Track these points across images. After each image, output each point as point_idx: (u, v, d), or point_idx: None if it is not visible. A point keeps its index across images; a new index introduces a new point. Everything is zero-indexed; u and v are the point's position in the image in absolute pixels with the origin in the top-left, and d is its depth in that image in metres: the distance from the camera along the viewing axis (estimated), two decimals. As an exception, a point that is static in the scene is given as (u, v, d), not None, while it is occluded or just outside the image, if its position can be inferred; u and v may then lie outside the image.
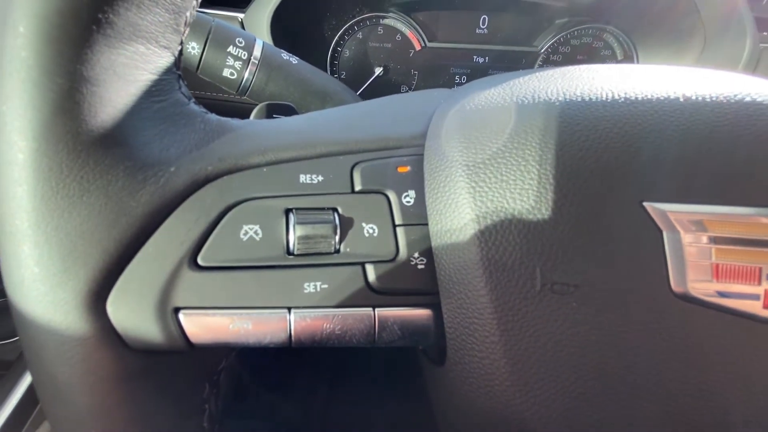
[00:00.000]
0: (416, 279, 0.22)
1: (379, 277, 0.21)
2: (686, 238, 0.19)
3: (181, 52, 0.22)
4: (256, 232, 0.21)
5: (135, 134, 0.19)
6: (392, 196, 0.22)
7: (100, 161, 0.18)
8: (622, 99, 0.21)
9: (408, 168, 0.23)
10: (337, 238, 0.21)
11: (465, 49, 0.67)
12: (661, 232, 0.19)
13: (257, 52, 0.40)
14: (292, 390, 0.46)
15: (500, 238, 0.20)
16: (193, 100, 0.23)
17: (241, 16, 0.56)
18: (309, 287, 0.21)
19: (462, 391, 0.22)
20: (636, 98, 0.20)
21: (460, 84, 0.66)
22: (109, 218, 0.18)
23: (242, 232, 0.21)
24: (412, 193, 0.22)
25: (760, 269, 0.19)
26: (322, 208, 0.21)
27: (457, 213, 0.20)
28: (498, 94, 0.23)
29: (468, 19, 0.66)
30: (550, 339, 0.19)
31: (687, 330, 0.19)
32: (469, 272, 0.20)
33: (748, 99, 0.20)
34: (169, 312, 0.20)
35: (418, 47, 0.66)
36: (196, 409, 0.26)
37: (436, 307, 0.22)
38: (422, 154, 0.23)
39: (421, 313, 0.22)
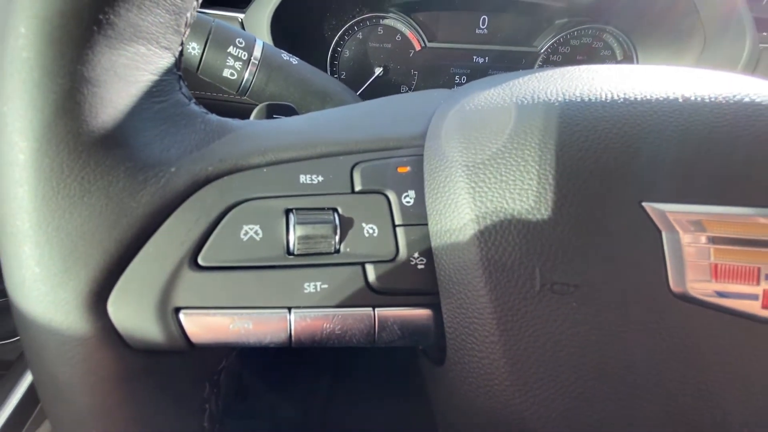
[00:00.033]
0: (416, 279, 0.22)
1: (379, 277, 0.21)
2: (685, 238, 0.19)
3: (181, 53, 0.22)
4: (256, 232, 0.21)
5: (136, 135, 0.19)
6: (392, 196, 0.22)
7: (101, 162, 0.18)
8: (622, 99, 0.21)
9: (408, 168, 0.23)
10: (337, 238, 0.21)
11: (465, 49, 0.67)
12: (660, 232, 0.19)
13: (257, 52, 0.40)
14: (292, 390, 0.46)
15: (500, 238, 0.20)
16: (194, 100, 0.23)
17: (241, 16, 0.56)
18: (309, 287, 0.21)
19: (462, 391, 0.22)
20: (635, 99, 0.21)
21: (460, 84, 0.66)
22: (110, 219, 0.18)
23: (242, 232, 0.21)
24: (411, 193, 0.22)
25: (759, 269, 0.19)
26: (322, 208, 0.21)
27: (457, 213, 0.20)
28: (498, 94, 0.23)
29: (468, 19, 0.66)
30: (550, 339, 0.19)
31: (686, 330, 0.19)
32: (468, 272, 0.20)
33: (746, 100, 0.20)
34: (169, 312, 0.20)
35: (418, 47, 0.66)
36: (196, 408, 0.26)
37: (435, 307, 0.22)
38: (422, 155, 0.23)
39: (421, 313, 0.22)
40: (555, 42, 0.66)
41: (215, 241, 0.20)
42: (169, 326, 0.20)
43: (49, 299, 0.18)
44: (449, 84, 0.69)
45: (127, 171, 0.19)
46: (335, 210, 0.22)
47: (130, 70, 0.19)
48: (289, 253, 0.21)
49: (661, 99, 0.20)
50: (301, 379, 0.48)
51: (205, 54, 0.39)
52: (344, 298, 0.21)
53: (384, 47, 0.66)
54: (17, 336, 0.38)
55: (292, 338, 0.21)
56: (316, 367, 0.49)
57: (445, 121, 0.23)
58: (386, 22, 0.65)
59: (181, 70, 0.22)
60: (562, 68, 0.24)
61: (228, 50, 0.39)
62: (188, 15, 0.21)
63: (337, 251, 0.21)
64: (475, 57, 0.67)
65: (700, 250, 0.19)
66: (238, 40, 0.40)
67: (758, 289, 0.19)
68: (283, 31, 0.57)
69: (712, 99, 0.20)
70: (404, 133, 0.24)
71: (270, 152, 0.22)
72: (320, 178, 0.22)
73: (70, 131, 0.17)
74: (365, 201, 0.22)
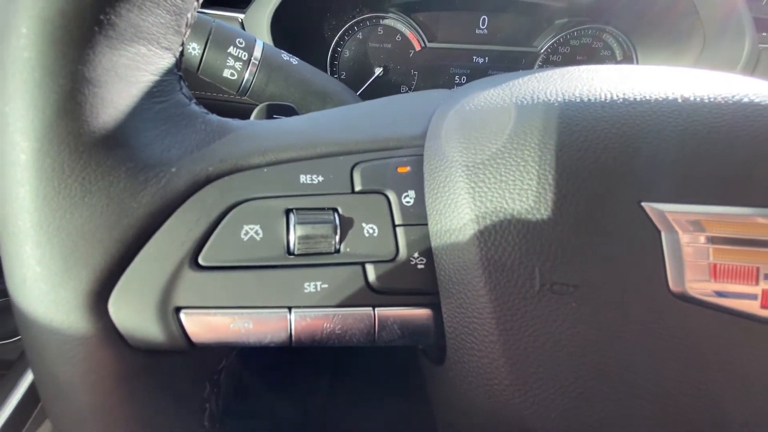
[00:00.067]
0: (416, 279, 0.22)
1: (379, 277, 0.21)
2: (684, 238, 0.19)
3: (182, 53, 0.22)
4: (256, 232, 0.21)
5: (136, 135, 0.19)
6: (392, 196, 0.22)
7: (102, 162, 0.18)
8: (621, 100, 0.21)
9: (408, 168, 0.23)
10: (337, 238, 0.21)
11: (465, 49, 0.67)
12: (659, 232, 0.19)
13: (257, 52, 0.40)
14: (292, 389, 0.46)
15: (499, 238, 0.20)
16: (194, 101, 0.23)
17: (241, 16, 0.56)
18: (309, 287, 0.21)
19: (461, 391, 0.22)
20: (635, 99, 0.21)
21: (459, 84, 0.66)
22: (111, 219, 0.19)
23: (243, 232, 0.21)
24: (411, 193, 0.22)
25: (758, 269, 0.19)
26: (323, 208, 0.22)
27: (457, 213, 0.21)
28: (497, 94, 0.23)
29: (468, 19, 0.66)
30: (549, 338, 0.19)
31: (685, 329, 0.19)
32: (468, 272, 0.20)
33: (745, 100, 0.20)
34: (170, 311, 0.20)
35: (418, 47, 0.66)
36: (196, 408, 0.26)
37: (435, 307, 0.22)
38: (422, 155, 0.23)
39: (421, 312, 0.22)
40: (555, 42, 0.66)
41: (216, 241, 0.20)
42: (170, 326, 0.20)
43: (50, 299, 0.18)
44: (449, 84, 0.69)
45: (128, 171, 0.19)
46: (335, 210, 0.22)
47: (131, 71, 0.19)
48: (289, 252, 0.21)
49: (661, 99, 0.20)
50: (301, 379, 0.48)
51: (205, 54, 0.39)
52: (344, 298, 0.21)
53: (384, 47, 0.66)
54: (18, 336, 0.38)
55: (293, 338, 0.21)
56: (316, 366, 0.49)
57: (445, 121, 0.23)
58: (386, 22, 0.65)
59: (181, 71, 0.22)
60: (562, 68, 0.25)
61: (228, 50, 0.39)
62: (189, 16, 0.21)
63: (337, 251, 0.21)
64: (474, 57, 0.67)
65: (699, 250, 0.19)
66: (238, 40, 0.40)
67: (757, 289, 0.19)
68: (283, 31, 0.57)
69: (711, 99, 0.20)
70: (404, 134, 0.24)
71: (270, 152, 0.22)
72: (320, 178, 0.22)
73: (72, 131, 0.17)
74: (365, 201, 0.22)
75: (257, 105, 0.36)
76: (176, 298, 0.20)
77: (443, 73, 0.68)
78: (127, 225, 0.19)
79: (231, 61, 0.39)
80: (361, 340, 0.22)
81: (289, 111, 0.35)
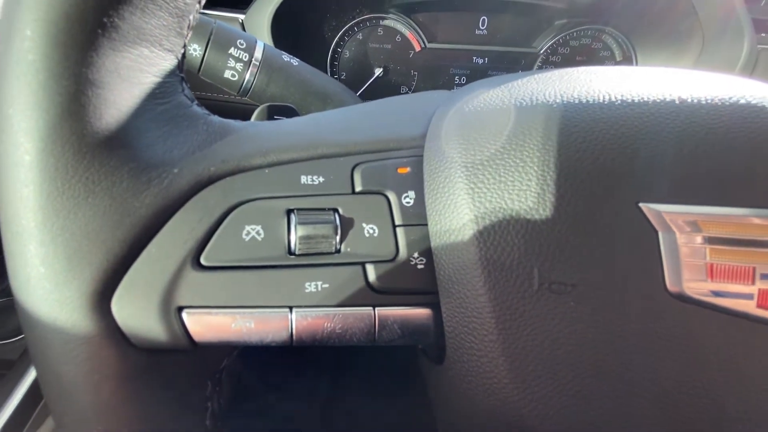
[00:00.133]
0: (416, 279, 0.22)
1: (379, 277, 0.22)
2: (681, 238, 0.19)
3: (184, 55, 0.22)
4: (258, 233, 0.21)
5: (139, 136, 0.19)
6: (392, 196, 0.22)
7: (105, 162, 0.18)
8: (620, 101, 0.21)
9: (408, 169, 0.23)
10: (338, 238, 0.21)
11: (464, 50, 0.67)
12: (656, 232, 0.19)
13: (258, 53, 0.40)
14: (293, 388, 0.47)
15: (499, 238, 0.20)
16: (196, 102, 0.23)
17: (241, 17, 0.56)
18: (310, 287, 0.21)
19: (461, 390, 0.22)
20: (633, 100, 0.21)
21: (459, 85, 0.66)
22: (114, 219, 0.19)
23: (244, 232, 0.21)
24: (411, 193, 0.22)
25: (754, 269, 0.19)
26: (323, 209, 0.22)
27: (456, 213, 0.21)
28: (497, 95, 0.23)
29: (467, 20, 0.66)
30: (548, 338, 0.19)
31: (682, 329, 0.19)
32: (468, 272, 0.20)
33: (743, 101, 0.20)
34: (172, 311, 0.20)
35: (417, 48, 0.67)
36: (198, 407, 0.26)
37: (435, 307, 0.22)
38: (422, 156, 0.23)
39: (421, 312, 0.22)
40: (554, 43, 0.67)
41: (217, 241, 0.20)
42: (172, 325, 0.20)
43: (53, 298, 0.18)
44: (449, 85, 0.69)
45: (131, 172, 0.19)
46: (336, 210, 0.22)
47: (133, 72, 0.19)
48: (290, 253, 0.21)
49: (659, 101, 0.21)
50: (302, 378, 0.48)
51: (206, 55, 0.39)
52: (345, 298, 0.21)
53: (384, 48, 0.66)
54: (19, 335, 0.39)
55: (294, 337, 0.21)
56: (316, 366, 0.49)
57: (444, 122, 0.23)
58: (386, 22, 0.65)
59: (183, 72, 0.22)
60: (561, 70, 0.25)
61: (229, 51, 0.39)
62: (191, 18, 0.21)
63: (338, 251, 0.21)
64: (474, 58, 0.67)
65: (696, 250, 0.19)
66: (239, 41, 0.40)
67: (753, 289, 0.19)
68: (284, 32, 0.57)
69: (709, 101, 0.20)
70: (404, 134, 0.24)
71: (271, 153, 0.22)
72: (321, 179, 0.22)
73: (75, 132, 0.18)
74: (366, 201, 0.22)
75: (258, 106, 0.36)
76: (178, 297, 0.20)
77: (443, 73, 0.68)
78: (130, 225, 0.19)
79: (232, 62, 0.40)
80: (362, 339, 0.22)
81: (289, 112, 0.35)
